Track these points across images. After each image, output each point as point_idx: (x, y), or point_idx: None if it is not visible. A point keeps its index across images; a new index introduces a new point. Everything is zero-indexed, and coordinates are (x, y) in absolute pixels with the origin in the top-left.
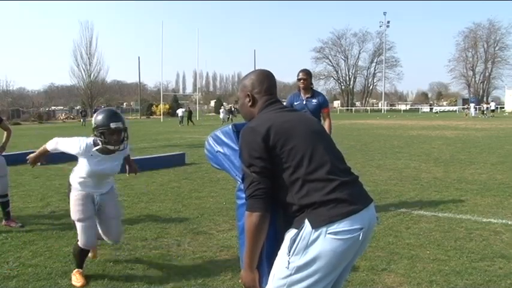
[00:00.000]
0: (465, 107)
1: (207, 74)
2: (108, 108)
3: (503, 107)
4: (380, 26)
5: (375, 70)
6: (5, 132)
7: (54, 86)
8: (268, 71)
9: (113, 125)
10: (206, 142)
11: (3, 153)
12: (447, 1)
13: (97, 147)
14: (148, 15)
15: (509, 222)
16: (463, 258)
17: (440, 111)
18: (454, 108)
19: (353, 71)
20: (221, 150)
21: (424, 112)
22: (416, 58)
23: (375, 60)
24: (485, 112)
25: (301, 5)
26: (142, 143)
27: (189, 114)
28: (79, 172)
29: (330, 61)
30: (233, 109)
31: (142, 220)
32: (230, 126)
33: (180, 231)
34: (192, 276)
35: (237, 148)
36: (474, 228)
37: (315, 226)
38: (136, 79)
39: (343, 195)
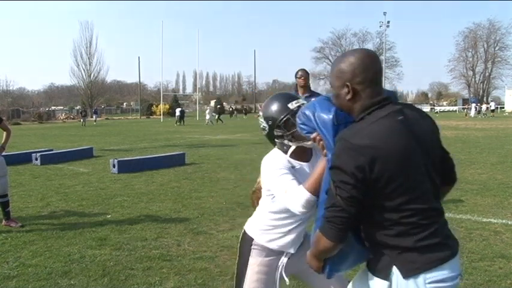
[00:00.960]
0: (465, 106)
1: (207, 74)
2: (276, 93)
3: (503, 107)
4: (380, 26)
5: None
6: (5, 133)
7: (54, 86)
8: (373, 52)
9: (294, 104)
10: (298, 116)
11: (3, 153)
12: (447, 1)
13: (290, 153)
14: (148, 15)
15: (509, 222)
16: (463, 258)
17: (440, 111)
18: (454, 108)
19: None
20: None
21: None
22: (416, 58)
23: None
24: (483, 112)
25: (301, 5)
26: (142, 143)
27: (181, 114)
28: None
29: (330, 61)
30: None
31: (142, 220)
32: (331, 116)
33: (180, 231)
34: (192, 276)
35: (330, 147)
36: (474, 228)
37: (409, 275)
38: (136, 79)
39: (439, 240)
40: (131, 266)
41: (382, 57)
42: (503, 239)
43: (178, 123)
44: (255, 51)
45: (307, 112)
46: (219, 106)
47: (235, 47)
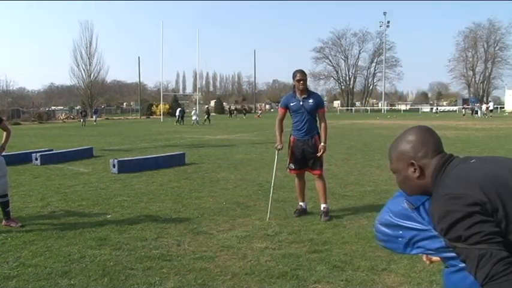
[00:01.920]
0: (465, 106)
1: (207, 74)
2: None
3: (503, 107)
4: (380, 26)
5: (374, 70)
6: (5, 133)
7: (54, 86)
8: (427, 127)
9: None
10: (377, 233)
11: (3, 153)
12: (447, 1)
13: None
14: (148, 15)
15: None
16: None
17: (440, 111)
18: (454, 108)
19: (353, 71)
20: (404, 237)
21: (424, 112)
22: (416, 58)
23: (375, 60)
24: (483, 112)
25: (301, 5)
26: (142, 143)
27: (181, 114)
28: None
29: (330, 61)
30: (232, 109)
31: (142, 220)
32: (405, 205)
33: (180, 231)
34: (192, 276)
35: (425, 228)
36: None
37: None
38: (136, 79)
39: None
40: (131, 266)
41: (382, 57)
42: None
43: (178, 123)
44: (255, 51)
45: (384, 218)
46: (207, 107)
47: (235, 47)
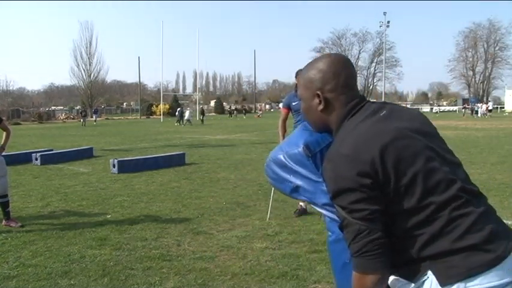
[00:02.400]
0: (465, 106)
1: (207, 74)
2: None
3: (503, 107)
4: (380, 26)
5: (375, 70)
6: (5, 133)
7: (54, 86)
8: (343, 56)
9: None
10: (267, 168)
11: (3, 153)
12: (447, 1)
13: None
14: (148, 15)
15: (510, 222)
16: None
17: (440, 111)
18: (454, 108)
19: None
20: (292, 183)
21: (424, 112)
22: (416, 58)
23: (375, 60)
24: (483, 112)
25: (301, 5)
26: (142, 143)
27: (180, 114)
28: None
29: None
30: (232, 109)
31: (142, 220)
32: (300, 149)
33: (180, 231)
34: (192, 276)
35: (316, 179)
36: None
37: (447, 282)
38: (136, 79)
39: (483, 235)
40: (131, 266)
41: (382, 57)
42: None
43: (178, 123)
44: (255, 51)
45: (277, 157)
46: (201, 107)
47: (235, 47)
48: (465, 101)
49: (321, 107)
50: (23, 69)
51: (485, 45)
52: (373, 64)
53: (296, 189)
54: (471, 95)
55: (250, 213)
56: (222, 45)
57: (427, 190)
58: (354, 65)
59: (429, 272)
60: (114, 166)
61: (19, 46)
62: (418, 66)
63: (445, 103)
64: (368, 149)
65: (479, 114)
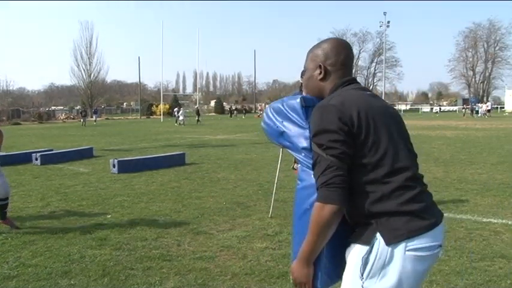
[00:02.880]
0: (465, 106)
1: (207, 74)
2: None
3: (503, 107)
4: (380, 26)
5: (375, 70)
6: None
7: (54, 86)
8: (346, 41)
9: None
10: (265, 113)
11: (3, 154)
12: (447, 1)
13: None
14: (148, 15)
15: (509, 222)
16: (463, 258)
17: (440, 111)
18: (454, 108)
19: (353, 71)
20: (282, 127)
21: (424, 112)
22: (416, 58)
23: (375, 60)
24: (482, 112)
25: (301, 5)
26: (142, 143)
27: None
28: None
29: None
30: (232, 109)
31: (142, 220)
32: (298, 100)
33: (180, 231)
34: (192, 276)
35: (303, 126)
36: (474, 228)
37: (392, 241)
38: (136, 79)
39: (422, 205)
40: (131, 266)
41: (382, 57)
42: (503, 239)
43: (177, 124)
44: (255, 51)
45: (276, 105)
46: (196, 107)
47: (235, 47)
48: (465, 101)
49: (320, 76)
50: (23, 69)
51: (486, 45)
52: (373, 64)
53: (282, 134)
54: (471, 95)
55: (250, 213)
56: (222, 45)
57: (388, 155)
58: (354, 65)
59: (378, 234)
60: (114, 166)
61: (19, 46)
62: (418, 66)
63: (445, 103)
64: (351, 105)
65: (479, 114)
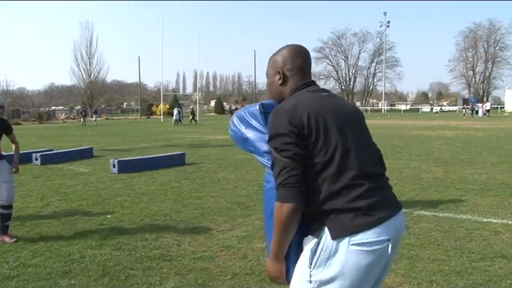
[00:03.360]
0: (465, 106)
1: (207, 74)
2: None
3: (503, 107)
4: (380, 26)
5: (375, 70)
6: (13, 146)
7: (54, 86)
8: (303, 47)
9: None
10: (231, 121)
11: (4, 154)
12: (447, 1)
13: None
14: (148, 15)
15: (509, 222)
16: (463, 258)
17: (440, 111)
18: (454, 108)
19: (353, 71)
20: (245, 133)
21: (424, 112)
22: (416, 58)
23: (375, 60)
24: (483, 112)
25: (301, 5)
26: (142, 143)
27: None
28: None
29: (330, 61)
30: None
31: (142, 220)
32: (257, 107)
33: (180, 231)
34: (192, 276)
35: (263, 131)
36: (474, 228)
37: (337, 236)
38: (136, 79)
39: (370, 202)
40: (131, 266)
41: (382, 57)
42: (503, 239)
43: (176, 124)
44: (255, 51)
45: (239, 113)
46: (192, 107)
47: (235, 47)
48: (465, 101)
49: (280, 81)
50: (23, 69)
51: (486, 45)
52: (373, 64)
53: (246, 139)
54: (471, 95)
55: (250, 213)
56: (222, 45)
57: (337, 155)
58: (354, 65)
59: (326, 229)
60: (114, 166)
61: (19, 46)
62: (418, 66)
63: (445, 103)
64: (302, 108)
65: (479, 114)
